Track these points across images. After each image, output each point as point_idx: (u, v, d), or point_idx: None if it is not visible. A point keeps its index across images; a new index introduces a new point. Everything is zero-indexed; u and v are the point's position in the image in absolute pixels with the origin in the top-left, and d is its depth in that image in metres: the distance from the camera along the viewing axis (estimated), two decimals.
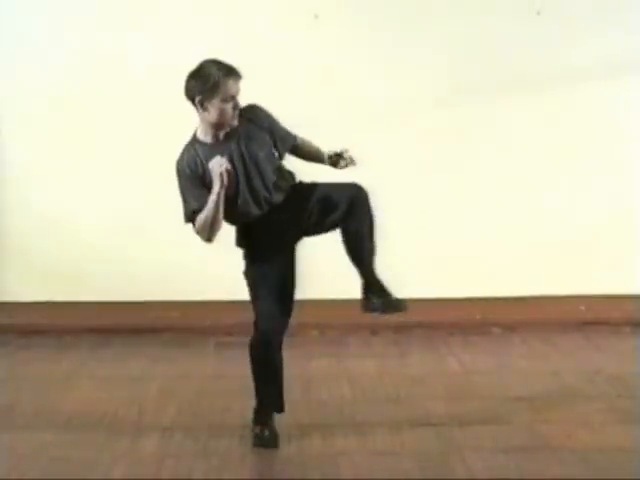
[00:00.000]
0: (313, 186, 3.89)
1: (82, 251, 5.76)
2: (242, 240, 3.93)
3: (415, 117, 5.74)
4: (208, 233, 3.73)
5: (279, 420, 4.01)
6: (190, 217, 3.76)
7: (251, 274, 3.90)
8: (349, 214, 3.82)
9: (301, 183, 3.94)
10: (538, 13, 5.70)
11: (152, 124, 5.64)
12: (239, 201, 3.77)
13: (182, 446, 3.92)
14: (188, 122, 5.65)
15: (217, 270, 5.49)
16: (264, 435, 3.91)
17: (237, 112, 3.72)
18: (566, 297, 5.81)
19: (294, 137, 3.96)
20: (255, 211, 3.81)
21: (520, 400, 4.44)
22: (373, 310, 3.92)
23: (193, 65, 3.73)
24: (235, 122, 3.73)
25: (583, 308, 5.85)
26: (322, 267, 5.02)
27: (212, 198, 3.67)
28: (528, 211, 5.83)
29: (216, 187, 3.66)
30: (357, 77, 5.64)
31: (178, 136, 5.63)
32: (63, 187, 5.76)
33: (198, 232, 3.75)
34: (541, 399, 4.46)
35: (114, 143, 5.71)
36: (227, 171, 3.64)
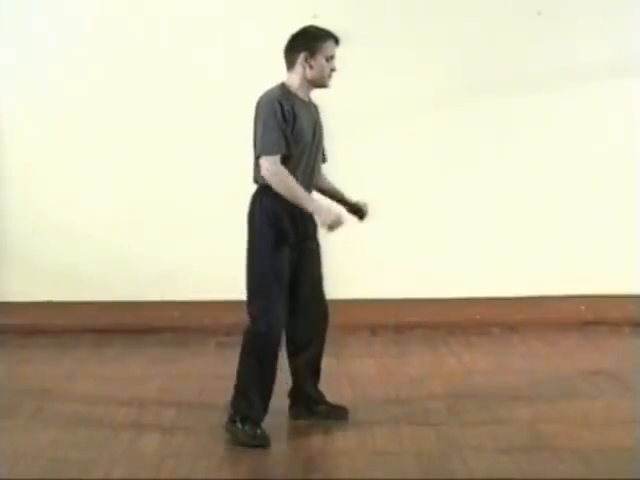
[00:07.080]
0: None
1: (82, 251, 5.76)
2: (267, 222, 3.85)
3: (415, 117, 5.75)
4: (285, 195, 3.76)
5: (279, 420, 4.01)
6: (269, 151, 3.74)
7: (263, 262, 3.85)
8: (320, 335, 4.09)
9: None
10: (538, 13, 5.70)
11: (152, 124, 5.66)
12: (300, 160, 3.83)
13: (182, 446, 3.91)
14: (188, 122, 5.70)
15: (217, 270, 5.49)
16: (256, 434, 3.87)
17: (332, 75, 3.89)
18: (566, 297, 5.81)
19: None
20: (300, 178, 3.83)
21: (520, 400, 4.44)
22: (319, 416, 4.14)
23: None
24: (329, 84, 3.91)
25: (583, 308, 5.85)
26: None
27: (304, 201, 3.75)
28: (528, 211, 5.83)
29: (321, 217, 3.78)
30: (357, 77, 5.62)
31: (178, 136, 5.69)
32: (63, 187, 5.77)
33: (278, 186, 3.76)
34: (541, 399, 4.46)
35: (114, 143, 5.71)
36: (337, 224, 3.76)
